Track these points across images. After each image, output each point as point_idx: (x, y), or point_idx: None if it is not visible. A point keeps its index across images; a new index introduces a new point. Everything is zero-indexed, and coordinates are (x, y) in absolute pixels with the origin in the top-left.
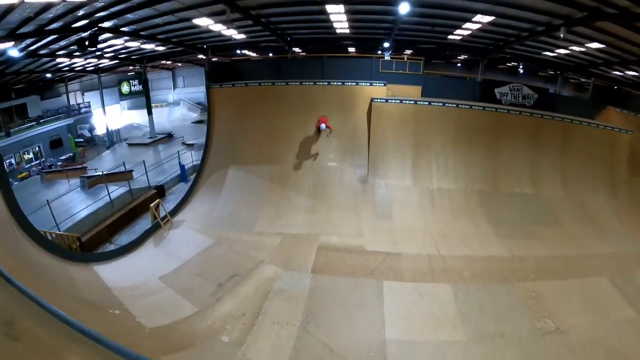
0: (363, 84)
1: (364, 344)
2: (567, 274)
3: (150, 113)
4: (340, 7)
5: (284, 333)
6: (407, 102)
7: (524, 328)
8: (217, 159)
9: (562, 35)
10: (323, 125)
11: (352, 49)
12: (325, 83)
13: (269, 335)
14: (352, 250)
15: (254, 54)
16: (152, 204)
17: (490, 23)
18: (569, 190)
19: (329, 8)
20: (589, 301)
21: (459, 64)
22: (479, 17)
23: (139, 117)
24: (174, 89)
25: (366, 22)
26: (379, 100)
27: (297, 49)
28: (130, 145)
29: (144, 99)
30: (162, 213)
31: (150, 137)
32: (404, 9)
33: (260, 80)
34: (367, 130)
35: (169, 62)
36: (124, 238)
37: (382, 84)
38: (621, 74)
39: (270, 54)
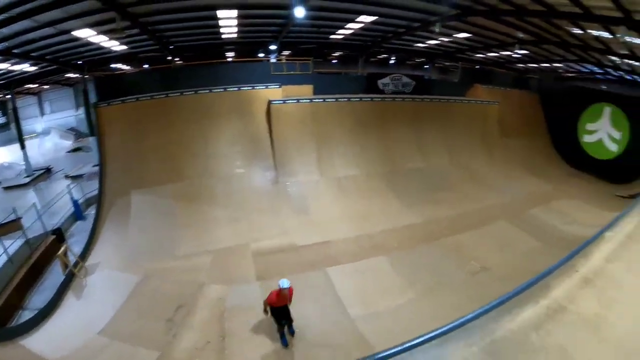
0: (259, 87)
1: (338, 328)
2: (473, 224)
3: (23, 147)
4: (233, 12)
5: (258, 344)
6: (304, 101)
7: (456, 274)
8: (117, 185)
9: (437, 30)
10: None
11: (231, 54)
12: (221, 89)
13: (244, 352)
14: (285, 249)
15: (130, 67)
16: (59, 252)
17: (372, 22)
18: (453, 158)
19: (221, 13)
20: (498, 241)
21: (334, 61)
22: (362, 18)
23: (7, 154)
24: (42, 116)
25: (255, 26)
26: (276, 102)
27: (178, 59)
28: (6, 188)
29: (11, 131)
30: (72, 259)
31: (28, 176)
32: (299, 13)
33: (152, 94)
34: (268, 132)
35: (35, 86)
36: (36, 299)
37: (277, 86)
38: (483, 56)
39: (146, 65)
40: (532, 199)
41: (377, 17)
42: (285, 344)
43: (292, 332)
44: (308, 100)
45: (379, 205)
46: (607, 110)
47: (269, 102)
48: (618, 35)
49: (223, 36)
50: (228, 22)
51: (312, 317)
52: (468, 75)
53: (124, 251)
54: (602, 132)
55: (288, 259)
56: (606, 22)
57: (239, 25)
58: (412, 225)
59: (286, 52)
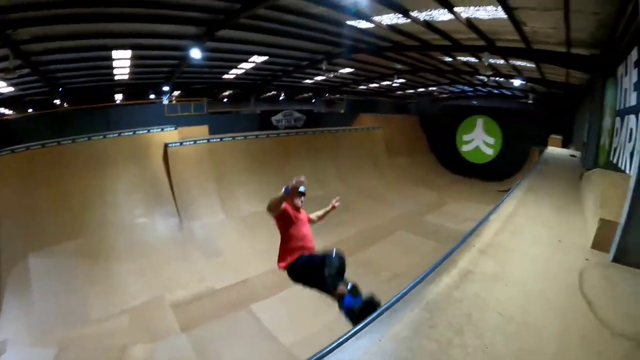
0: (155, 130)
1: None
2: (376, 239)
3: None
4: (128, 53)
5: None
6: (201, 141)
7: (373, 284)
8: (11, 249)
9: (324, 68)
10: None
11: (120, 96)
12: (115, 134)
13: None
14: (205, 295)
15: (13, 112)
16: None
17: (263, 62)
18: (348, 182)
19: (116, 54)
20: (402, 249)
21: (225, 100)
22: (254, 58)
23: None
24: None
25: (148, 67)
26: (173, 144)
27: (66, 103)
28: None
29: None
30: None
31: None
32: (195, 54)
33: (43, 141)
34: (167, 176)
35: None
36: None
37: (173, 128)
38: (366, 87)
39: (30, 110)
40: (425, 207)
41: (268, 57)
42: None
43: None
44: (205, 141)
45: None
46: (480, 121)
47: (166, 145)
48: (483, 59)
49: (116, 77)
50: (122, 62)
51: (249, 357)
52: (353, 105)
53: (33, 323)
54: (478, 140)
55: (209, 304)
56: (473, 50)
57: (132, 66)
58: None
59: (176, 93)
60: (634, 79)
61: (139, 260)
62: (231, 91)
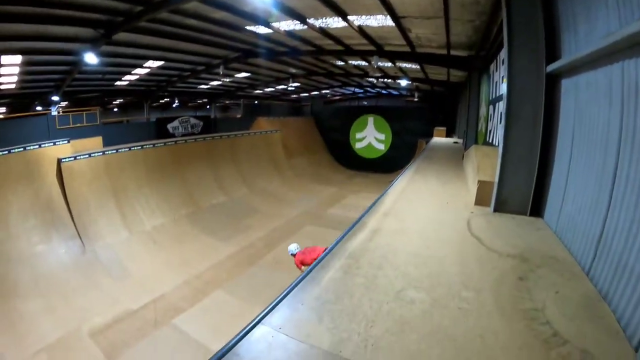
0: (46, 144)
1: None
2: (285, 236)
3: None
4: (17, 58)
5: None
6: (96, 154)
7: (289, 278)
8: None
9: (221, 72)
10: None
11: (2, 109)
12: (4, 152)
13: None
14: (122, 318)
15: None
16: None
17: (159, 67)
18: (251, 186)
19: (4, 59)
20: (309, 242)
21: (115, 109)
22: (149, 63)
23: None
24: None
25: (39, 75)
26: (67, 159)
27: None
28: None
29: None
30: None
31: None
32: (91, 59)
33: None
34: (62, 195)
35: None
36: None
37: (66, 141)
38: (262, 91)
39: None
40: (326, 202)
41: (164, 62)
42: None
43: None
44: (100, 153)
45: (195, 246)
46: (371, 119)
47: (59, 161)
48: (372, 62)
49: (1, 87)
50: (9, 69)
51: None
52: (250, 110)
53: None
54: (370, 137)
55: (130, 326)
56: (364, 54)
57: (20, 73)
58: (233, 255)
59: (64, 104)
60: (502, 73)
61: (45, 294)
62: (122, 99)
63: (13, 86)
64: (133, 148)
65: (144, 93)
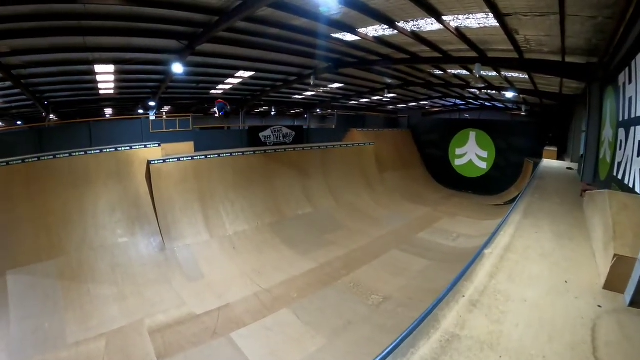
0: (137, 147)
1: None
2: (367, 259)
3: None
4: (110, 67)
5: None
6: (185, 159)
7: (361, 310)
8: None
9: (312, 83)
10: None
11: (109, 110)
12: (97, 151)
13: None
14: (184, 320)
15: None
16: None
17: (250, 77)
18: (339, 199)
19: (98, 68)
20: (393, 270)
21: (217, 115)
22: (240, 73)
23: None
24: None
25: (134, 82)
26: (156, 161)
27: (53, 116)
28: None
29: None
30: None
31: None
32: (177, 69)
33: (23, 157)
34: (149, 194)
35: None
36: None
37: (157, 145)
38: (357, 102)
39: (19, 122)
40: (417, 224)
41: (254, 73)
42: None
43: None
44: (189, 158)
45: (273, 257)
46: (472, 134)
47: (148, 163)
48: (474, 71)
49: (101, 92)
50: (105, 77)
51: None
52: (343, 121)
53: (10, 346)
54: (471, 154)
55: (188, 330)
56: (464, 62)
57: (116, 80)
58: (308, 272)
59: (166, 109)
60: None
61: (119, 283)
62: None
63: (112, 91)
64: (222, 155)
65: (240, 101)
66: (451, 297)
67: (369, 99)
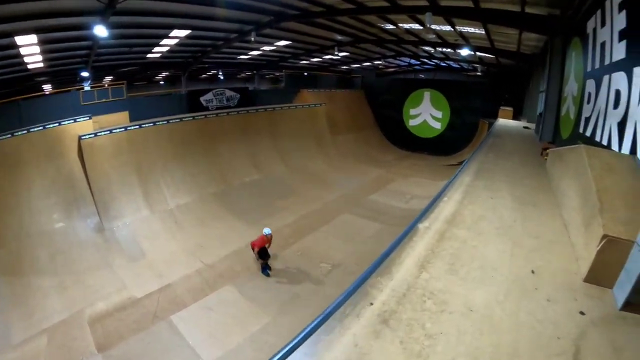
0: (66, 122)
1: None
2: (317, 224)
3: None
4: (33, 38)
5: None
6: (118, 130)
7: (310, 279)
8: None
9: (253, 39)
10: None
11: (48, 87)
12: (24, 131)
13: None
14: (125, 306)
15: None
16: None
17: (187, 37)
18: (289, 164)
19: (19, 40)
20: (344, 235)
21: (162, 82)
22: (175, 32)
23: None
24: None
25: (60, 52)
26: (87, 136)
27: None
28: None
29: None
30: None
31: None
32: (100, 32)
33: None
34: (83, 173)
35: None
36: None
37: (87, 118)
38: (307, 62)
39: None
40: (370, 187)
41: (191, 31)
42: (267, 274)
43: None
44: (122, 129)
45: (218, 229)
46: (427, 94)
47: (79, 138)
48: (426, 22)
49: (29, 66)
50: (30, 49)
51: None
52: (294, 81)
53: None
54: (425, 114)
55: (129, 317)
56: (413, 12)
57: (43, 52)
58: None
59: (109, 79)
60: (620, 25)
61: (59, 272)
62: (165, 72)
63: (41, 65)
64: (158, 123)
65: (180, 65)
66: (350, 306)
67: (320, 58)
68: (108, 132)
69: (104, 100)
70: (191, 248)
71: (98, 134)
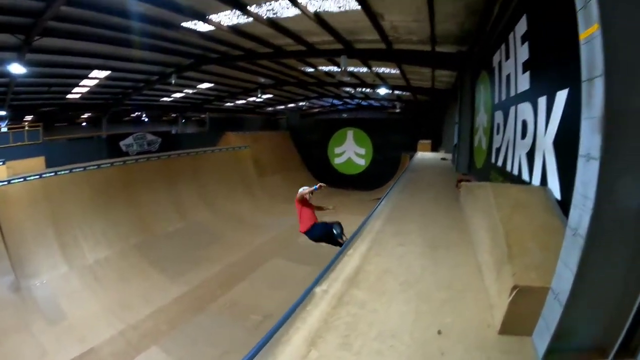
0: None
1: None
2: (246, 273)
3: None
4: None
5: None
6: (32, 178)
7: (239, 334)
8: None
9: (173, 82)
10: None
11: None
12: None
13: None
14: None
15: None
16: None
17: (107, 78)
18: (215, 209)
19: None
20: (274, 282)
21: (84, 123)
22: (95, 73)
23: None
24: None
25: None
26: (0, 184)
27: None
28: None
29: None
30: None
31: None
32: (17, 69)
33: None
34: None
35: None
36: None
37: (1, 163)
38: (232, 104)
39: None
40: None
41: (110, 72)
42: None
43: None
44: (37, 177)
45: (140, 285)
46: (350, 133)
47: None
48: (341, 65)
49: None
50: None
51: None
52: (218, 124)
53: None
54: (349, 152)
55: None
56: (330, 55)
57: None
58: (180, 298)
59: (28, 118)
60: (524, 57)
61: None
62: (87, 113)
63: None
64: (75, 170)
65: (101, 107)
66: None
67: (244, 100)
68: (22, 179)
69: (19, 143)
70: (113, 307)
71: (12, 181)
